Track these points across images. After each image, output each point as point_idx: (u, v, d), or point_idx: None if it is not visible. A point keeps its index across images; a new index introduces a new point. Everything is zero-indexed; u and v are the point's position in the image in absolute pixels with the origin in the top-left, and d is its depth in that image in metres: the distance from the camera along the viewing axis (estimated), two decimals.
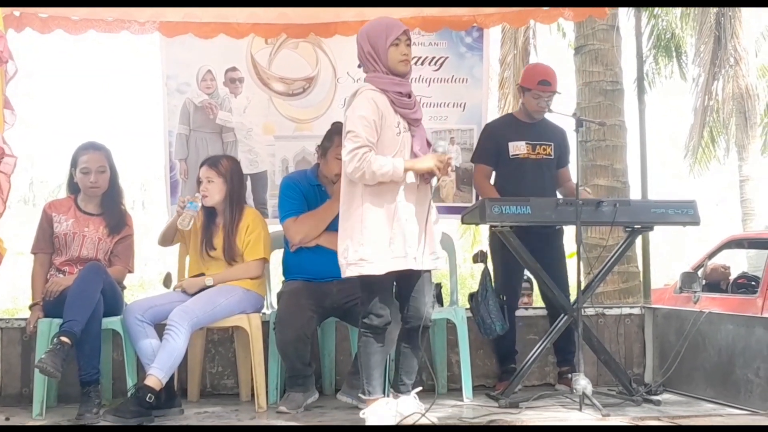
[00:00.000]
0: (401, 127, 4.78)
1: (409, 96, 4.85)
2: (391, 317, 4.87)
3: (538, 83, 6.07)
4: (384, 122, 4.72)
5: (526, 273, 6.30)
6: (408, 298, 4.88)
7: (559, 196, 6.25)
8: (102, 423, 5.00)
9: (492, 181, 6.23)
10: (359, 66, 4.94)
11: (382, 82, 4.79)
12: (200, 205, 5.61)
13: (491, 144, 6.21)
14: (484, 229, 6.90)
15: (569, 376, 5.80)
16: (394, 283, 4.97)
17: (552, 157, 6.21)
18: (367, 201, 4.72)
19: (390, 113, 4.76)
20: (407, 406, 4.84)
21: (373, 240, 4.69)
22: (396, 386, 4.97)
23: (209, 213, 5.73)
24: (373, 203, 4.72)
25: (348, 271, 4.77)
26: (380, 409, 4.77)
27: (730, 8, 15.97)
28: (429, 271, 4.91)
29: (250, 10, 6.44)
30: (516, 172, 6.11)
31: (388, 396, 4.92)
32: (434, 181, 4.82)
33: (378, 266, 4.69)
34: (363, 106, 4.73)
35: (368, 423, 4.75)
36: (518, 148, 6.13)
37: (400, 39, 4.82)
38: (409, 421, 4.71)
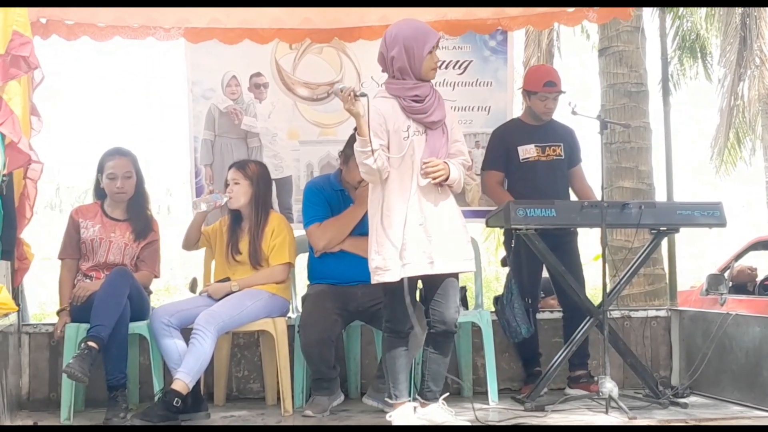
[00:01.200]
0: (411, 131, 4.75)
1: (424, 100, 4.80)
2: (416, 321, 4.87)
3: (543, 85, 6.08)
4: (388, 126, 4.72)
5: (544, 275, 6.28)
6: (442, 302, 4.87)
7: (573, 196, 6.25)
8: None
9: (504, 186, 6.24)
10: (383, 70, 4.93)
11: (395, 89, 4.77)
12: (225, 201, 5.64)
13: (501, 150, 6.20)
14: None
15: (595, 379, 5.78)
16: (420, 286, 4.98)
17: (562, 158, 6.20)
18: (383, 208, 4.75)
19: (397, 118, 4.75)
20: (437, 415, 4.85)
21: (387, 247, 4.70)
22: (423, 393, 4.94)
23: (235, 217, 5.76)
24: (387, 210, 4.73)
25: (372, 279, 4.81)
26: (406, 413, 4.78)
27: (756, 8, 15.86)
28: (455, 275, 4.91)
29: (274, 16, 6.46)
30: (527, 175, 6.11)
31: (414, 401, 4.92)
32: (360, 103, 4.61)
33: (393, 273, 4.70)
34: None
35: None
36: (528, 151, 6.13)
37: (434, 46, 4.83)
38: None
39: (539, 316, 6.25)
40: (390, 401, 4.88)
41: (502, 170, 6.19)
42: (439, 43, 4.90)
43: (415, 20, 4.96)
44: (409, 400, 4.86)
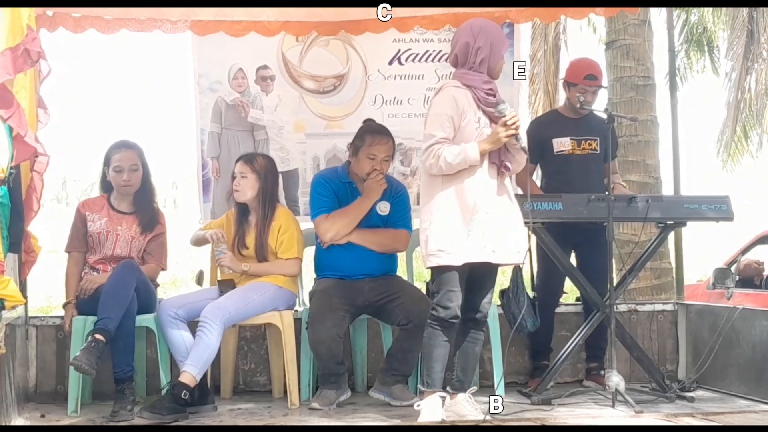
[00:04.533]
0: (482, 122, 4.85)
1: (496, 95, 4.89)
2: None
3: (584, 78, 6.03)
4: (464, 117, 4.80)
5: None
6: (479, 291, 4.94)
7: None
8: (138, 420, 5.04)
9: (538, 178, 6.26)
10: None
11: (472, 79, 4.86)
12: (227, 247, 5.65)
13: (532, 142, 6.16)
14: None
15: (602, 372, 5.78)
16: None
17: (598, 152, 6.12)
18: (446, 193, 4.79)
19: (471, 109, 4.83)
20: (463, 408, 4.91)
21: (452, 230, 4.74)
22: (452, 383, 5.00)
23: (242, 211, 5.75)
24: (453, 194, 4.78)
25: (428, 262, 4.82)
26: (434, 403, 4.83)
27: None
28: (498, 266, 4.95)
29: (280, 8, 6.46)
30: (562, 168, 6.09)
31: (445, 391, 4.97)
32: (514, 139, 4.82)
33: (455, 257, 4.74)
34: (441, 103, 4.83)
35: (421, 416, 4.81)
36: (563, 144, 6.10)
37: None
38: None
39: None
40: (422, 388, 4.90)
41: (532, 161, 6.16)
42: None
43: (486, 18, 5.15)
44: (440, 391, 4.88)
